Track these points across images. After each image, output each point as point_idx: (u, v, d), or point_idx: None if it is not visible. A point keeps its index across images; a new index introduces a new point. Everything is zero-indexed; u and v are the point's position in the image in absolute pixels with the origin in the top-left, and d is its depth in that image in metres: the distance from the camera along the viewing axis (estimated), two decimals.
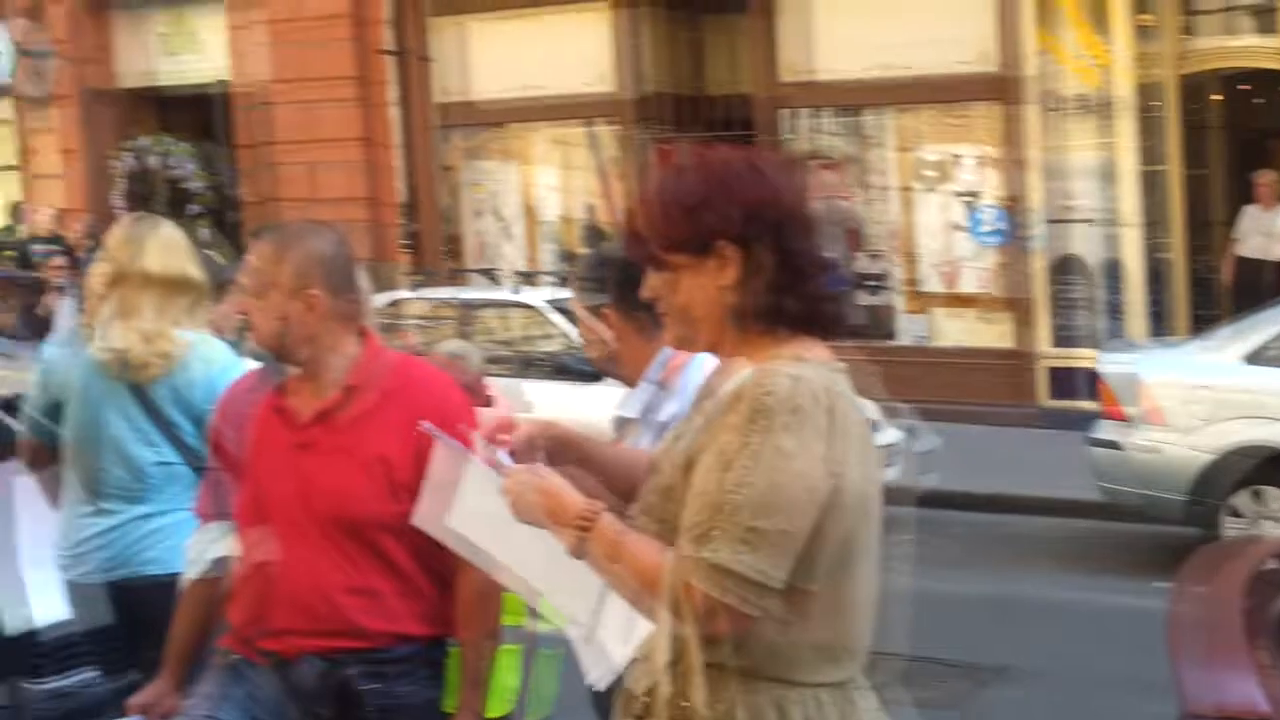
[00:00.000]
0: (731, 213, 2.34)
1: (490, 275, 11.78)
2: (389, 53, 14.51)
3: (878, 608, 2.42)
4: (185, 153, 15.35)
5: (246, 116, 15.10)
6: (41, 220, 15.43)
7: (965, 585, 7.97)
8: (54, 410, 4.21)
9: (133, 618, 4.05)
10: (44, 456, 4.31)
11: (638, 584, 2.26)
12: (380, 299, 10.78)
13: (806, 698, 2.30)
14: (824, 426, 2.23)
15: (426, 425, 2.69)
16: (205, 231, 14.28)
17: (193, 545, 3.54)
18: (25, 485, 4.46)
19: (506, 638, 3.88)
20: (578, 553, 2.31)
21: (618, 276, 3.42)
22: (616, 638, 2.38)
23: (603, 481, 2.63)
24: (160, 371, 4.08)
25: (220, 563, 3.42)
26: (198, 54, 16.06)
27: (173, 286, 4.17)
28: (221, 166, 15.45)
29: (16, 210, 16.80)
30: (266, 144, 14.94)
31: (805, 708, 2.29)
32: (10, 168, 17.33)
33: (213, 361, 4.07)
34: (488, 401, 5.28)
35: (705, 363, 2.78)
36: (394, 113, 14.64)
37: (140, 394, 4.09)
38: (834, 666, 2.34)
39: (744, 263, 2.34)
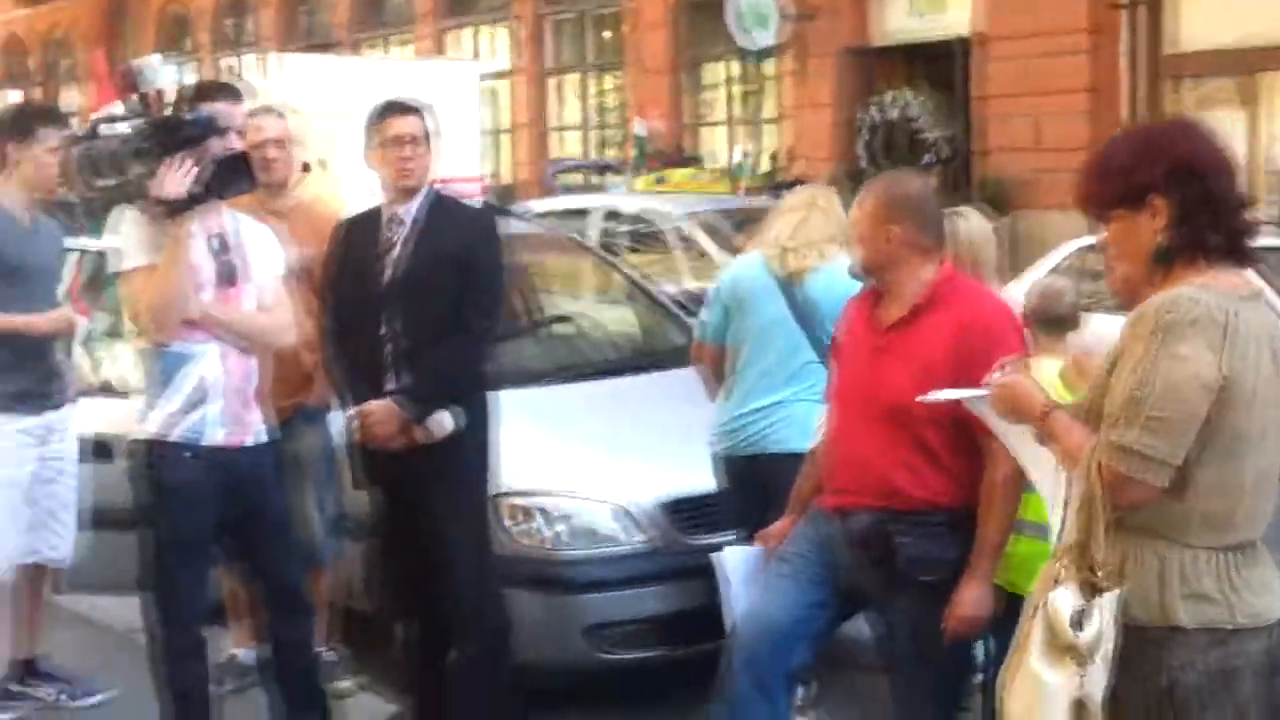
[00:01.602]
0: (1158, 170, 2.88)
1: None
2: (1120, 6, 14.74)
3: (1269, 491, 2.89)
4: (923, 106, 16.30)
5: (980, 69, 15.85)
6: (794, 169, 16.89)
7: None
8: (723, 319, 5.25)
9: (760, 487, 5.01)
10: (711, 357, 5.36)
11: (1073, 461, 2.88)
12: (1076, 244, 11.19)
13: (1185, 556, 2.82)
14: (1217, 337, 2.74)
15: (930, 397, 3.44)
16: (936, 181, 15.20)
17: (819, 423, 4.44)
18: (694, 380, 5.54)
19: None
20: (1040, 439, 2.97)
21: None
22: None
23: None
24: (809, 269, 5.00)
25: None
26: (943, 11, 16.97)
27: (835, 216, 5.11)
28: (956, 118, 16.27)
29: (776, 159, 18.49)
30: (997, 96, 15.63)
31: (1182, 563, 2.81)
32: (772, 120, 19.12)
33: (845, 278, 4.84)
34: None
35: None
36: (1123, 63, 14.87)
37: (791, 295, 5.03)
38: (1216, 534, 2.83)
39: (1171, 210, 2.87)
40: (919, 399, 3.52)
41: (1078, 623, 2.75)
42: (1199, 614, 2.80)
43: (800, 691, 5.15)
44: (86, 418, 5.71)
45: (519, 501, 5.41)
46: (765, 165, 18.69)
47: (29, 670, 5.58)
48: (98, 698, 5.55)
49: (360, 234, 5.05)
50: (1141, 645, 2.79)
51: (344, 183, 5.91)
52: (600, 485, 5.49)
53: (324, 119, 6.33)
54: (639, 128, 15.55)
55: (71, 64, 33.27)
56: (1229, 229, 2.88)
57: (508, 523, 5.38)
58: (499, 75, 23.24)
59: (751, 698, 4.18)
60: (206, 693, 4.80)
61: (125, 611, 5.31)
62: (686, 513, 5.44)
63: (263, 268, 4.76)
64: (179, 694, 4.70)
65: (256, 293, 4.73)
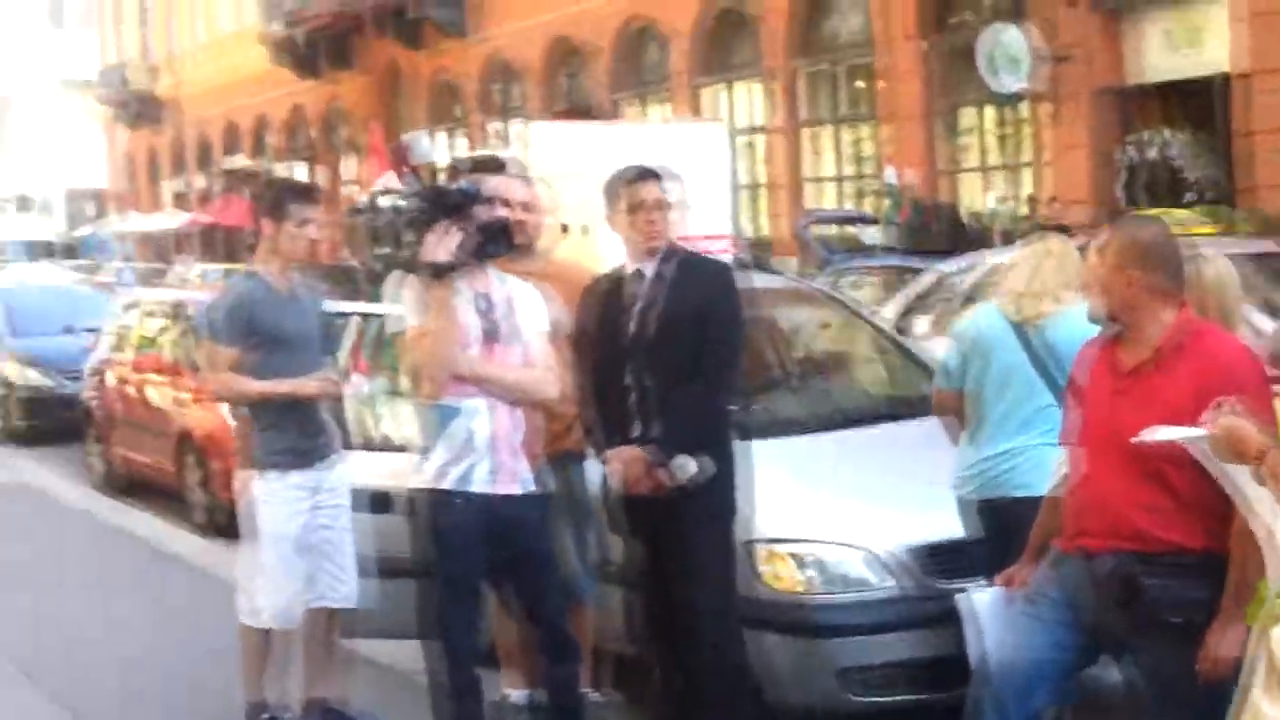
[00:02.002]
0: None
1: None
2: None
3: None
4: (1182, 144, 15.98)
5: (1242, 104, 15.50)
6: (1050, 211, 16.66)
7: None
8: (962, 366, 5.39)
9: (1004, 531, 5.10)
10: (951, 404, 5.49)
11: None
12: None
13: None
14: None
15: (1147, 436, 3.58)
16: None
17: (1057, 466, 4.55)
18: (934, 429, 5.68)
19: None
20: (1257, 478, 3.06)
21: None
22: None
23: None
24: (1044, 314, 5.10)
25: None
26: (1200, 47, 16.64)
27: (1071, 262, 5.20)
28: (1217, 155, 15.90)
29: (1032, 203, 18.34)
30: (1261, 131, 15.25)
31: None
32: (1028, 164, 18.98)
33: (1080, 322, 4.85)
34: None
35: None
36: None
37: (1027, 340, 5.14)
38: None
39: None
40: (1134, 440, 3.59)
41: None
42: None
43: None
44: (367, 471, 6.14)
45: (772, 547, 5.61)
46: (1023, 210, 18.53)
47: (321, 710, 5.97)
48: None
49: (607, 292, 5.37)
50: None
51: (600, 245, 6.22)
52: (851, 531, 5.65)
53: (577, 184, 6.66)
54: (890, 176, 15.65)
55: (350, 135, 34.87)
56: None
57: (761, 568, 5.58)
58: (753, 130, 23.62)
59: None
60: None
61: (407, 654, 5.67)
62: (935, 558, 5.55)
63: (527, 325, 5.08)
64: None
65: (522, 349, 5.05)
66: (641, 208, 5.25)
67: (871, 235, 15.08)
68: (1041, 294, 5.14)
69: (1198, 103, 16.42)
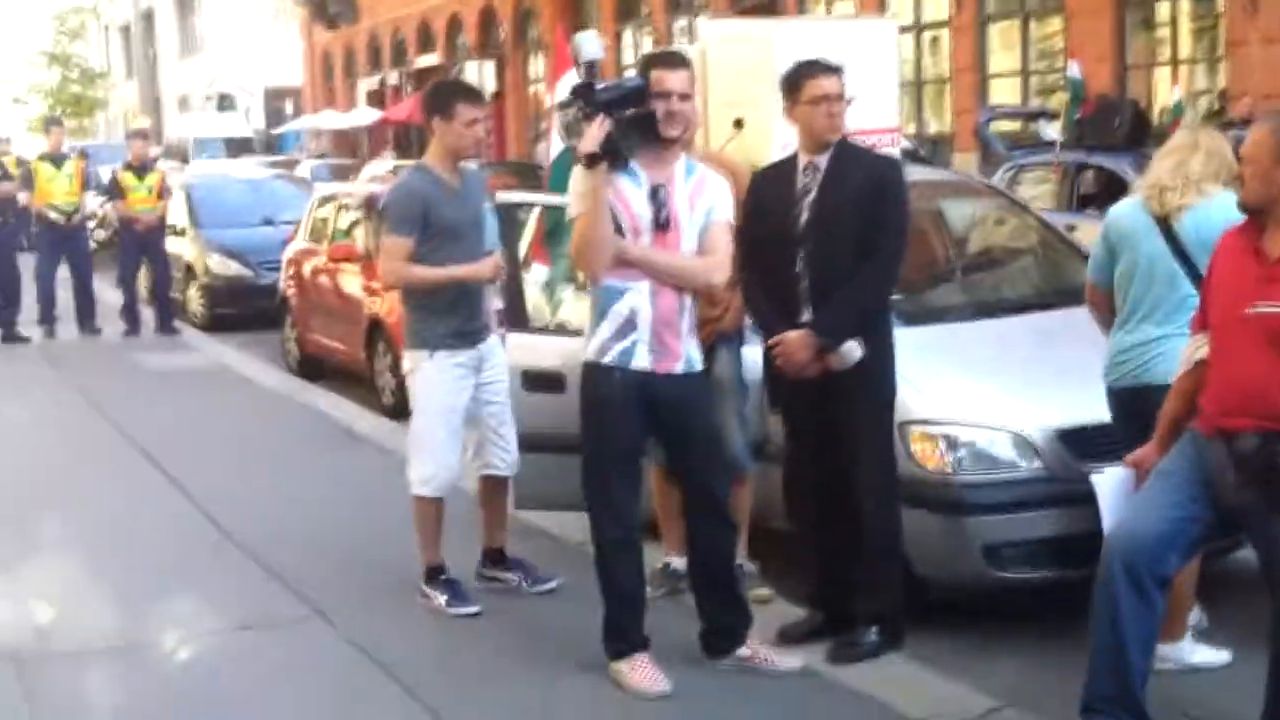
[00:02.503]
0: None
1: None
2: None
3: None
4: None
5: None
6: (1242, 107, 16.24)
7: None
8: (1108, 258, 5.51)
9: (1146, 417, 5.24)
10: (1099, 295, 5.58)
11: None
12: None
13: None
14: None
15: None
16: None
17: (1185, 349, 4.71)
18: (1086, 317, 5.80)
19: None
20: None
21: None
22: None
23: None
24: (1186, 207, 5.20)
25: (1200, 364, 4.59)
26: None
27: (1218, 156, 5.29)
28: None
29: (1223, 97, 17.88)
30: None
31: None
32: (1220, 59, 18.49)
33: (1225, 212, 4.90)
34: None
35: None
36: None
37: (1170, 232, 5.24)
38: None
39: None
40: (1251, 310, 3.68)
41: None
42: None
43: (1195, 616, 5.40)
44: (544, 352, 6.56)
45: (923, 429, 5.83)
46: (1214, 106, 18.10)
47: (497, 559, 6.45)
48: (553, 584, 6.36)
49: (777, 182, 5.60)
50: None
51: (760, 137, 6.42)
52: (1000, 414, 5.85)
53: (745, 77, 6.85)
54: (1072, 70, 15.41)
55: (539, 35, 35.16)
56: None
57: (913, 448, 5.81)
58: (936, 25, 23.34)
59: (1128, 598, 4.46)
60: (640, 590, 5.41)
61: (578, 525, 6.03)
62: (1081, 441, 5.71)
63: (707, 213, 5.28)
64: (615, 589, 5.33)
65: (696, 235, 5.26)
66: (821, 101, 5.45)
67: (1052, 131, 14.88)
68: (1185, 186, 5.23)
69: None
